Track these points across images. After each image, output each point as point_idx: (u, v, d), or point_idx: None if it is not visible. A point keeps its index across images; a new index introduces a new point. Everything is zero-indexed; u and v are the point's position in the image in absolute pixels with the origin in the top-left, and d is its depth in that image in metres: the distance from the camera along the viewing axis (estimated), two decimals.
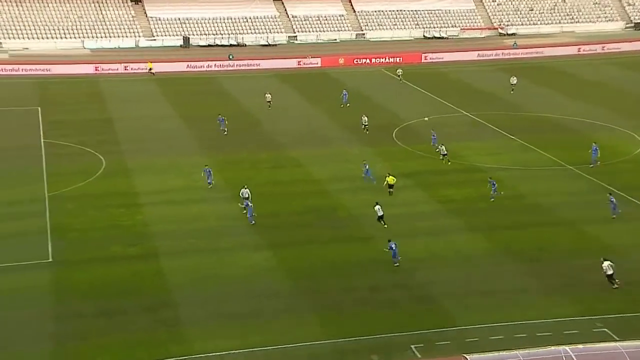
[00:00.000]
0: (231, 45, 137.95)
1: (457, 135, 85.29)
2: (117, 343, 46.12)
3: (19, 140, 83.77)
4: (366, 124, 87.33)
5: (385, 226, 60.91)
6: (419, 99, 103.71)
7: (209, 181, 69.42)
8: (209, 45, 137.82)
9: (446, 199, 67.47)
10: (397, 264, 55.25)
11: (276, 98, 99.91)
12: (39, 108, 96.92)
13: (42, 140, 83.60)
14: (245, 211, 63.16)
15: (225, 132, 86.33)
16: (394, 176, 68.37)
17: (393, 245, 55.42)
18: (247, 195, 64.71)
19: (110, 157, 78.08)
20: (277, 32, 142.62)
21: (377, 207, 61.83)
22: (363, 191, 68.53)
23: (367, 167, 71.90)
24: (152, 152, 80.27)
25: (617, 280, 51.44)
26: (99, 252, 57.66)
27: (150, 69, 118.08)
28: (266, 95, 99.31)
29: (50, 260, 56.43)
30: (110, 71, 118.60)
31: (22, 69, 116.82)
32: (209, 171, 69.97)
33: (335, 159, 77.96)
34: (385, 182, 67.82)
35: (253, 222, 61.99)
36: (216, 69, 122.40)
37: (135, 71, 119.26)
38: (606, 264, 51.66)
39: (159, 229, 61.65)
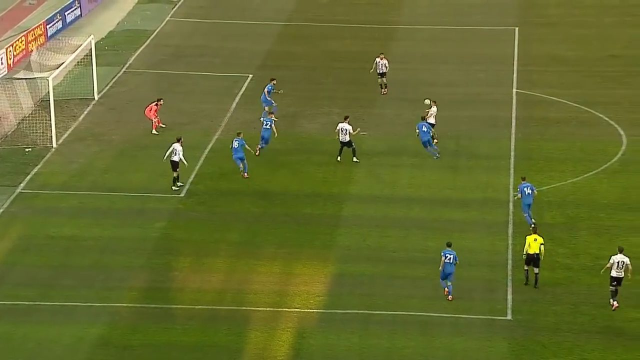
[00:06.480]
0: None
1: None
2: None
3: (485, 88, 52.60)
4: None
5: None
6: None
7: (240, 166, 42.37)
8: None
9: None
10: None
11: None
12: (516, 29, 60.17)
13: (513, 89, 52.00)
14: None
15: None
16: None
17: None
18: None
19: (637, 132, 46.72)
20: None
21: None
22: None
23: None
24: None
25: None
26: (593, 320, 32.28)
27: None
28: None
29: (509, 318, 32.54)
30: None
31: None
32: (241, 143, 42.15)
33: None
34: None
35: None
36: None
37: None
38: None
39: None
